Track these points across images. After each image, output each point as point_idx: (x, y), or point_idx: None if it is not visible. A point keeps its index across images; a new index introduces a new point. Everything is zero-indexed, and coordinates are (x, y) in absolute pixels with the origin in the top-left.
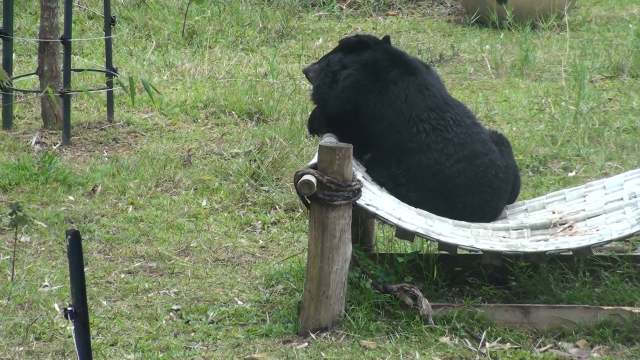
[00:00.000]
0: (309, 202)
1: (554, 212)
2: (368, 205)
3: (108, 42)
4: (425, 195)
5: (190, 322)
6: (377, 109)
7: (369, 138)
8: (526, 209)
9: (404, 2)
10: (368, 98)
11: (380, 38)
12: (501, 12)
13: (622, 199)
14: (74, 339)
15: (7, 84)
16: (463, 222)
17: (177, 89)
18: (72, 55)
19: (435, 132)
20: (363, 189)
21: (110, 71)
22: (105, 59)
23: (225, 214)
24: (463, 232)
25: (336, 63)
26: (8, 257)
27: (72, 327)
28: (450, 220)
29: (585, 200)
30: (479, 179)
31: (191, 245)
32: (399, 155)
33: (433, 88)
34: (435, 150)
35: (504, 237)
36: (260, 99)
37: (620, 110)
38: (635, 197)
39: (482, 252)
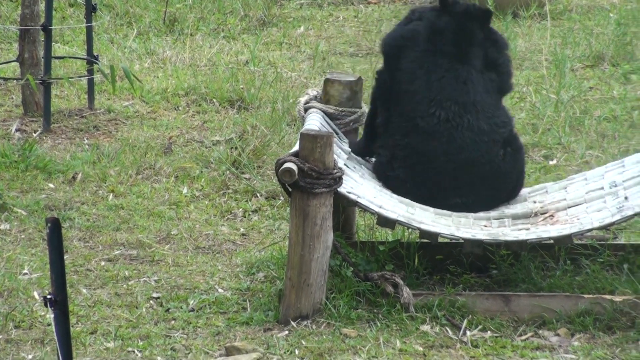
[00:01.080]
0: (290, 189)
1: (535, 202)
2: (349, 193)
3: (89, 30)
4: (410, 180)
5: (170, 310)
6: (415, 66)
7: (393, 94)
8: (508, 202)
9: None
10: (413, 52)
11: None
12: (483, 0)
13: (602, 188)
14: (53, 327)
15: None
16: (444, 211)
17: (158, 77)
18: (53, 43)
19: (446, 124)
20: (344, 177)
21: (91, 59)
22: (86, 47)
23: (206, 202)
24: (444, 221)
25: (418, 13)
26: None
27: (52, 315)
28: (432, 209)
29: (566, 191)
30: (462, 181)
31: (172, 233)
32: (406, 127)
33: (471, 84)
34: (437, 140)
35: (485, 226)
36: (241, 86)
37: (601, 99)
38: (615, 185)
39: (463, 241)
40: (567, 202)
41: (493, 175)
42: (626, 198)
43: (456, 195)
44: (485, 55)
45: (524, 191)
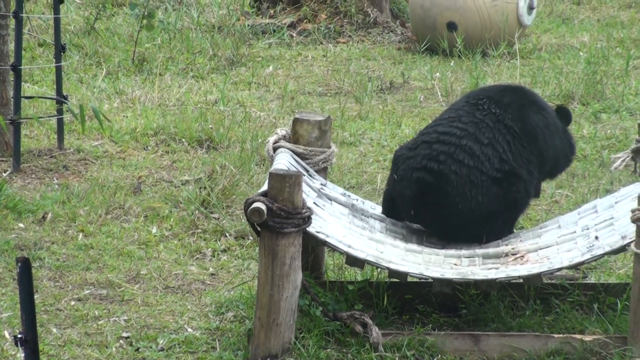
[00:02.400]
0: (259, 229)
1: (507, 245)
2: (318, 232)
3: (58, 70)
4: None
5: (140, 350)
6: None
7: None
8: (481, 246)
9: (354, 29)
10: None
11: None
12: (451, 39)
13: (575, 232)
14: None
15: None
16: (415, 247)
17: (127, 117)
18: (23, 83)
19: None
20: (313, 216)
21: (61, 98)
22: (55, 86)
23: (175, 242)
24: (414, 258)
25: None
26: None
27: (22, 355)
28: (402, 245)
29: (540, 238)
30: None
31: (141, 272)
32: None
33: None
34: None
35: (455, 264)
36: (210, 126)
37: None
38: (587, 229)
39: (432, 280)
40: (539, 245)
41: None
42: (596, 238)
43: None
44: None
45: (498, 242)
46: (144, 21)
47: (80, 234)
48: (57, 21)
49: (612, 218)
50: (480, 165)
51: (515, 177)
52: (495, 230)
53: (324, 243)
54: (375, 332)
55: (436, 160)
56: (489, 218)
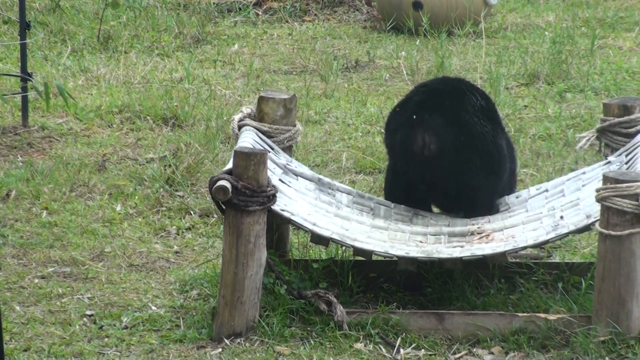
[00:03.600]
0: (223, 207)
1: (473, 225)
2: (283, 210)
3: (23, 47)
4: None
5: (103, 328)
6: None
7: None
8: (448, 224)
9: (320, 8)
10: None
11: None
12: (417, 18)
13: (541, 212)
14: None
15: None
16: (381, 223)
17: (92, 94)
18: None
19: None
20: (278, 194)
21: (25, 76)
22: (20, 64)
23: (140, 219)
24: (380, 235)
25: None
26: None
27: None
28: (369, 221)
29: (507, 220)
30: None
31: (105, 250)
32: None
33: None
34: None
35: (421, 242)
36: (175, 104)
37: (536, 117)
38: (554, 209)
39: (397, 258)
40: (504, 224)
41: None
42: (562, 217)
43: None
44: None
45: (466, 220)
46: None
47: (44, 211)
48: None
49: (578, 199)
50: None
51: None
52: None
53: (289, 221)
54: (340, 310)
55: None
56: None
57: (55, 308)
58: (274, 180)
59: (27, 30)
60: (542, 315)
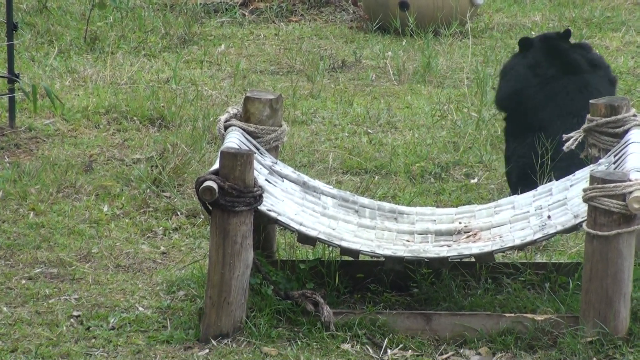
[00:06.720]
0: (210, 208)
1: (460, 223)
2: (270, 211)
3: (10, 48)
4: None
5: (90, 329)
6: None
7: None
8: (434, 220)
9: (306, 8)
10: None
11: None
12: (403, 18)
13: (528, 211)
14: None
15: None
16: (368, 222)
17: (79, 95)
18: None
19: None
20: (265, 195)
21: (12, 77)
22: (7, 65)
23: (127, 220)
24: (367, 234)
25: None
26: None
27: None
28: (355, 220)
29: (493, 218)
30: None
31: (92, 251)
32: None
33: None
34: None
35: (408, 241)
36: (162, 105)
37: None
38: (541, 209)
39: (384, 258)
40: (492, 224)
41: None
42: (549, 217)
43: None
44: None
45: (452, 211)
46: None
47: (31, 212)
48: None
49: (566, 198)
50: None
51: None
52: None
53: (276, 221)
54: (327, 311)
55: None
56: None
57: (43, 309)
58: (261, 181)
59: (14, 31)
60: (530, 315)
